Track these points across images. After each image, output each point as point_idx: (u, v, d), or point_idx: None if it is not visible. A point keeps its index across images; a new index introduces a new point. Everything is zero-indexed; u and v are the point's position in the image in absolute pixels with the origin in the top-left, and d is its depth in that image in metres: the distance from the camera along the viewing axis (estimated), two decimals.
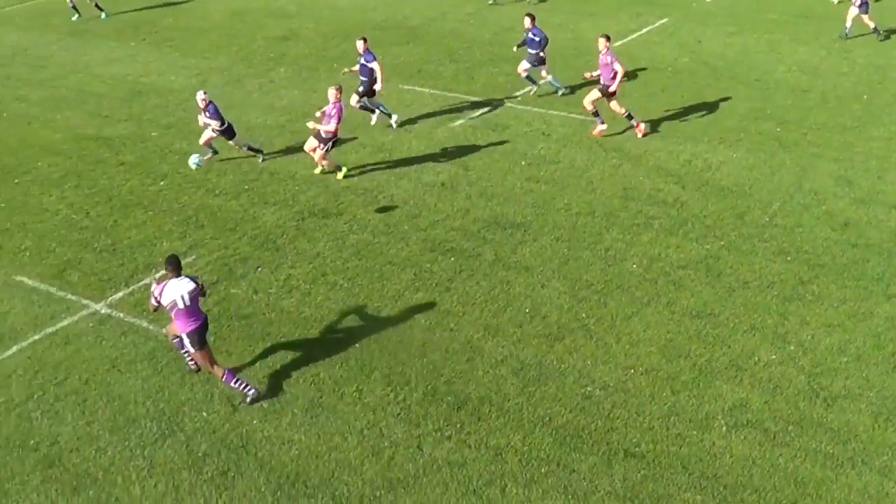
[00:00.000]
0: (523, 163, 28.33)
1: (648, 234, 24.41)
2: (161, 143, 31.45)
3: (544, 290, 22.09)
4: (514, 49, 34.68)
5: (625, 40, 39.31)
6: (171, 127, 32.74)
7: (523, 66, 33.66)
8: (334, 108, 26.99)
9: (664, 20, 41.91)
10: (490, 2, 46.21)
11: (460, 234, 24.66)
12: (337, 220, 25.68)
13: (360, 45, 31.05)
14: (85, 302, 22.83)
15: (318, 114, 27.66)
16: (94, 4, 47.78)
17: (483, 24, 42.10)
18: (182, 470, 17.42)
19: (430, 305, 21.70)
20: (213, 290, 22.73)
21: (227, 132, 29.08)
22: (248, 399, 18.99)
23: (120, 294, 23.08)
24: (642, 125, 30.33)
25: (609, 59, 29.40)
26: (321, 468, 17.22)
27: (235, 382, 18.95)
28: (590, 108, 30.27)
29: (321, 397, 18.95)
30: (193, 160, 26.61)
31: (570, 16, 43.15)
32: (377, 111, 31.76)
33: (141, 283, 23.34)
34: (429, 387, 19.05)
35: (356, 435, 17.92)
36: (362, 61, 30.91)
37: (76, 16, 47.80)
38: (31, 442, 18.42)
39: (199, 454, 17.74)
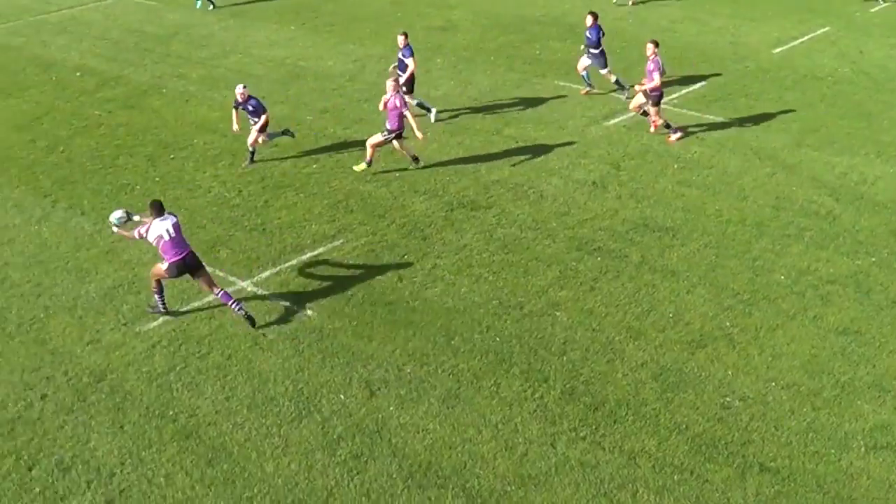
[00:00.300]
0: (675, 166, 28.01)
1: (798, 245, 23.95)
2: (316, 127, 31.78)
3: (689, 296, 21.82)
4: (581, 48, 34.42)
5: (786, 47, 38.59)
6: (327, 112, 33.04)
7: (582, 64, 33.64)
8: (398, 100, 27.19)
9: (826, 28, 41.00)
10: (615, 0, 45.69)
11: (608, 235, 24.47)
12: (486, 212, 25.67)
13: (400, 39, 31.15)
14: (232, 279, 23.19)
15: (381, 106, 27.81)
16: None
17: (642, 23, 41.69)
18: (316, 451, 17.59)
19: (573, 304, 21.57)
20: (359, 276, 22.93)
21: (263, 127, 28.87)
22: (154, 309, 21.84)
23: (266, 273, 23.39)
24: (674, 136, 29.99)
25: (651, 65, 29.28)
26: (453, 459, 17.25)
27: (159, 297, 21.71)
28: (634, 110, 30.50)
29: (459, 388, 18.98)
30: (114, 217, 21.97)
31: (730, 20, 42.50)
32: (433, 110, 31.90)
33: (288, 264, 23.65)
34: (567, 385, 18.96)
35: (490, 428, 17.91)
36: (400, 56, 31.00)
37: (202, 3, 48.30)
38: (170, 412, 18.78)
39: (334, 436, 17.90)
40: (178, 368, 20.07)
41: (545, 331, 20.64)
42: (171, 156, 30.23)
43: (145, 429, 18.41)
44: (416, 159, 28.37)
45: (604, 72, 33.21)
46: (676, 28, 40.38)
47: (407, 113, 26.99)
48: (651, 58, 29.27)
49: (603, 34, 32.97)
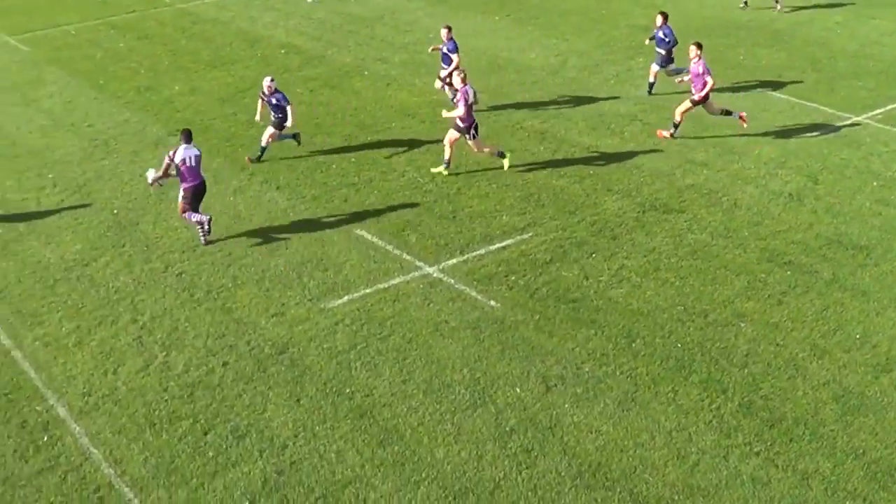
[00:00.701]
0: (875, 183, 27.25)
1: None
2: (513, 119, 31.82)
3: (879, 318, 21.21)
4: (647, 42, 34.28)
5: None
6: (525, 104, 33.03)
7: (653, 69, 33.32)
8: (460, 93, 27.10)
9: None
10: (741, 5, 44.52)
11: (800, 248, 23.96)
12: (677, 216, 25.37)
13: (443, 32, 31.56)
14: (419, 263, 23.38)
15: (445, 113, 27.98)
16: None
17: (851, 34, 40.61)
18: (487, 441, 17.63)
19: (759, 316, 21.17)
20: (545, 271, 22.89)
21: (280, 123, 28.69)
22: (202, 241, 24.70)
23: (453, 261, 23.52)
24: (744, 114, 29.98)
25: (700, 68, 28.83)
26: (624, 462, 17.11)
27: (198, 224, 24.65)
28: (678, 118, 29.73)
29: (635, 392, 18.81)
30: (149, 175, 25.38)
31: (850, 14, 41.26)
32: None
33: (475, 253, 23.74)
34: (745, 399, 18.62)
35: (664, 435, 17.71)
36: (444, 49, 31.29)
37: None
38: (347, 390, 19.04)
39: (507, 428, 17.90)
40: (358, 347, 20.33)
41: (728, 341, 20.32)
42: (369, 137, 30.62)
43: (321, 404, 18.70)
44: (501, 154, 28.25)
45: (656, 68, 33.40)
46: (885, 41, 39.24)
47: (462, 108, 27.07)
48: (695, 61, 29.12)
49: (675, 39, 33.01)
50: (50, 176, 29.10)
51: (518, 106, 32.90)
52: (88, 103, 34.94)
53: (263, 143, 29.08)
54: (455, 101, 27.60)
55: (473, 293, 22.12)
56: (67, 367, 20.16)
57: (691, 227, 24.84)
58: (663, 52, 32.80)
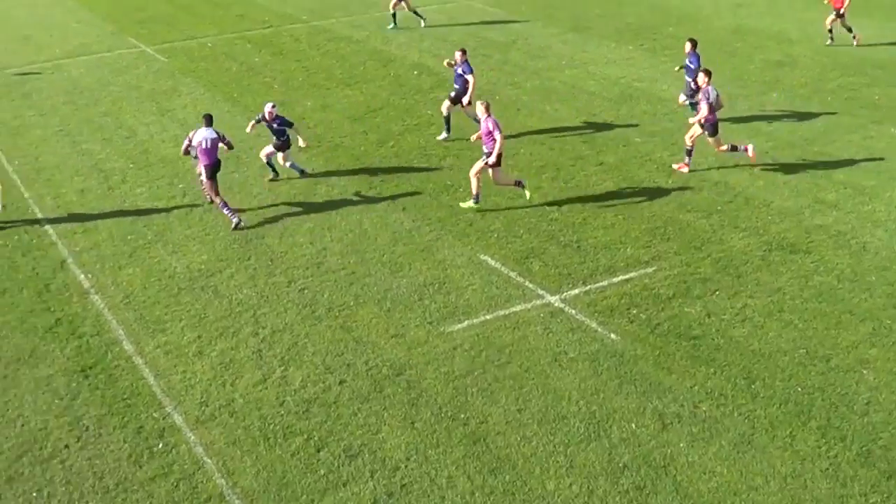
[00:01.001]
0: None
1: None
2: (643, 150, 31.61)
3: None
4: (676, 70, 33.99)
5: None
6: (656, 135, 32.81)
7: (680, 100, 33.33)
8: (486, 124, 27.02)
9: None
10: (828, 42, 43.55)
11: None
12: (804, 257, 24.98)
13: (458, 55, 31.88)
14: (541, 292, 23.32)
15: (473, 138, 28.33)
16: (413, 12, 47.91)
17: None
18: (599, 476, 17.49)
19: (882, 363, 20.69)
20: (667, 306, 22.68)
21: (284, 146, 29.30)
22: (233, 225, 26.81)
23: (576, 291, 23.42)
24: (750, 147, 29.82)
25: (701, 95, 29.09)
26: None
27: (226, 210, 26.99)
28: (689, 143, 29.65)
29: (752, 434, 18.52)
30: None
31: None
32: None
33: (598, 285, 23.61)
34: (863, 448, 18.23)
35: (779, 480, 17.40)
36: (459, 71, 31.51)
37: (391, 25, 48.20)
38: (462, 416, 19.04)
39: (620, 464, 17.75)
40: (475, 373, 20.33)
41: (849, 388, 19.91)
42: None
43: (435, 428, 18.72)
44: (519, 184, 27.95)
45: (682, 99, 33.55)
46: None
47: (498, 136, 26.83)
48: (703, 87, 29.17)
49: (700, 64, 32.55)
50: (181, 186, 29.63)
51: (649, 137, 32.69)
52: (221, 115, 35.46)
53: (263, 157, 30.02)
54: (486, 131, 27.20)
55: (594, 325, 22.00)
56: (186, 376, 20.47)
57: (817, 269, 24.43)
58: (691, 80, 32.43)
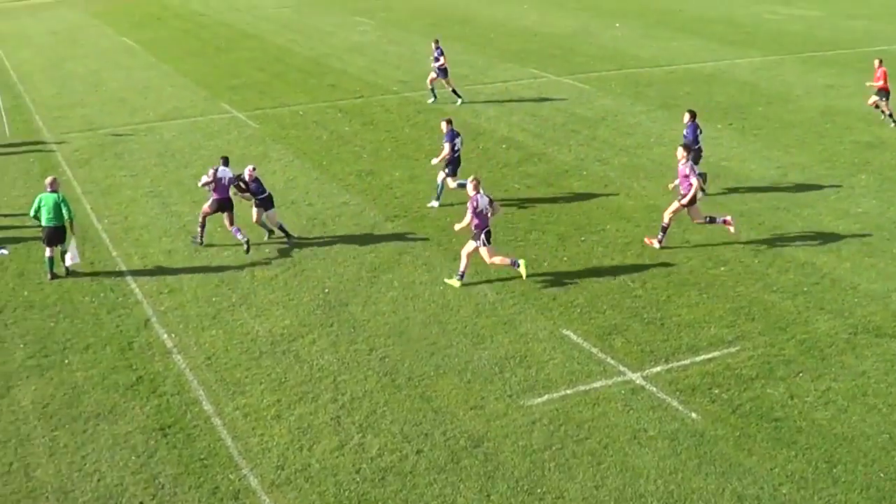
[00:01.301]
0: None
1: None
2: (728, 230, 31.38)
3: None
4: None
5: None
6: (743, 215, 32.50)
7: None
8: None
9: None
10: (892, 125, 42.95)
11: None
12: (890, 341, 24.55)
13: (443, 125, 33.06)
14: (622, 368, 23.15)
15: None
16: (452, 91, 48.12)
17: None
18: None
19: None
20: (749, 387, 22.39)
21: (267, 202, 30.74)
22: (245, 249, 29.75)
23: (658, 368, 23.22)
24: (729, 218, 29.98)
25: (687, 170, 28.83)
26: None
27: (201, 230, 30.78)
28: (666, 220, 29.59)
29: None
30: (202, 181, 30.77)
31: None
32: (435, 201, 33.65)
33: (680, 363, 23.39)
34: None
35: None
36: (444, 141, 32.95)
37: (432, 99, 48.66)
38: (539, 490, 18.88)
39: None
40: (553, 448, 20.18)
41: None
42: (582, 238, 30.59)
43: (511, 502, 18.57)
44: (515, 263, 27.47)
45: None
46: None
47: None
48: (682, 163, 29.25)
49: (700, 132, 33.04)
50: (266, 250, 29.88)
51: (738, 215, 32.44)
52: (310, 182, 35.83)
53: (274, 227, 31.10)
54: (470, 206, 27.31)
55: (675, 403, 21.77)
56: (264, 439, 20.52)
57: None
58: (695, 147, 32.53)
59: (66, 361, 23.92)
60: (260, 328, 25.21)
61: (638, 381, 22.66)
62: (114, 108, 48.28)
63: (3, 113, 46.53)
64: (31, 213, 28.39)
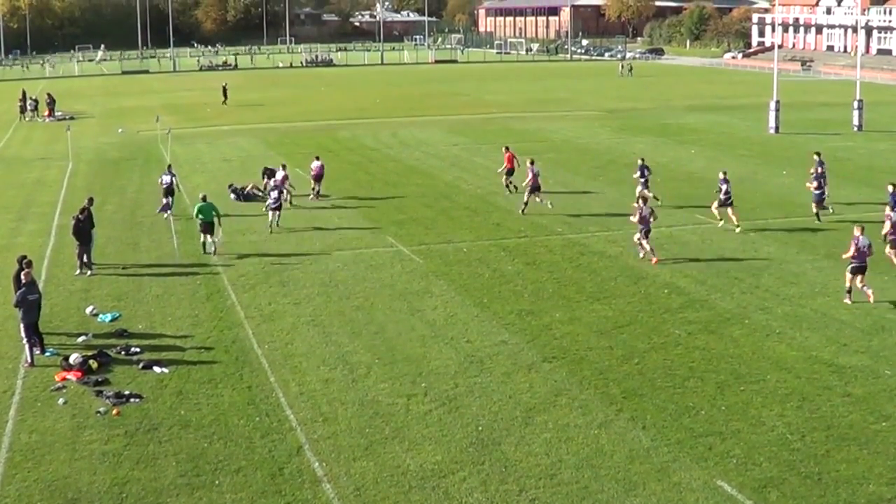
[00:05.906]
0: None
1: None
2: (893, 383, 30.57)
3: None
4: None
5: None
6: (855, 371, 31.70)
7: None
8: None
9: None
10: None
11: None
12: None
13: None
14: None
15: None
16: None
17: None
18: None
19: None
20: None
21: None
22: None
23: None
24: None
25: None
26: None
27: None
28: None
29: None
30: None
31: None
32: None
33: None
34: None
35: None
36: None
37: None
38: None
39: None
40: None
41: None
42: (742, 388, 30.12)
43: None
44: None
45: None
46: None
47: None
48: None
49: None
50: (423, 385, 30.04)
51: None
52: (469, 319, 36.03)
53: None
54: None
55: None
56: None
57: None
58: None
59: (217, 483, 24.28)
60: (411, 462, 25.27)
61: None
62: (281, 235, 49.26)
63: (175, 235, 47.95)
64: (193, 215, 47.03)
